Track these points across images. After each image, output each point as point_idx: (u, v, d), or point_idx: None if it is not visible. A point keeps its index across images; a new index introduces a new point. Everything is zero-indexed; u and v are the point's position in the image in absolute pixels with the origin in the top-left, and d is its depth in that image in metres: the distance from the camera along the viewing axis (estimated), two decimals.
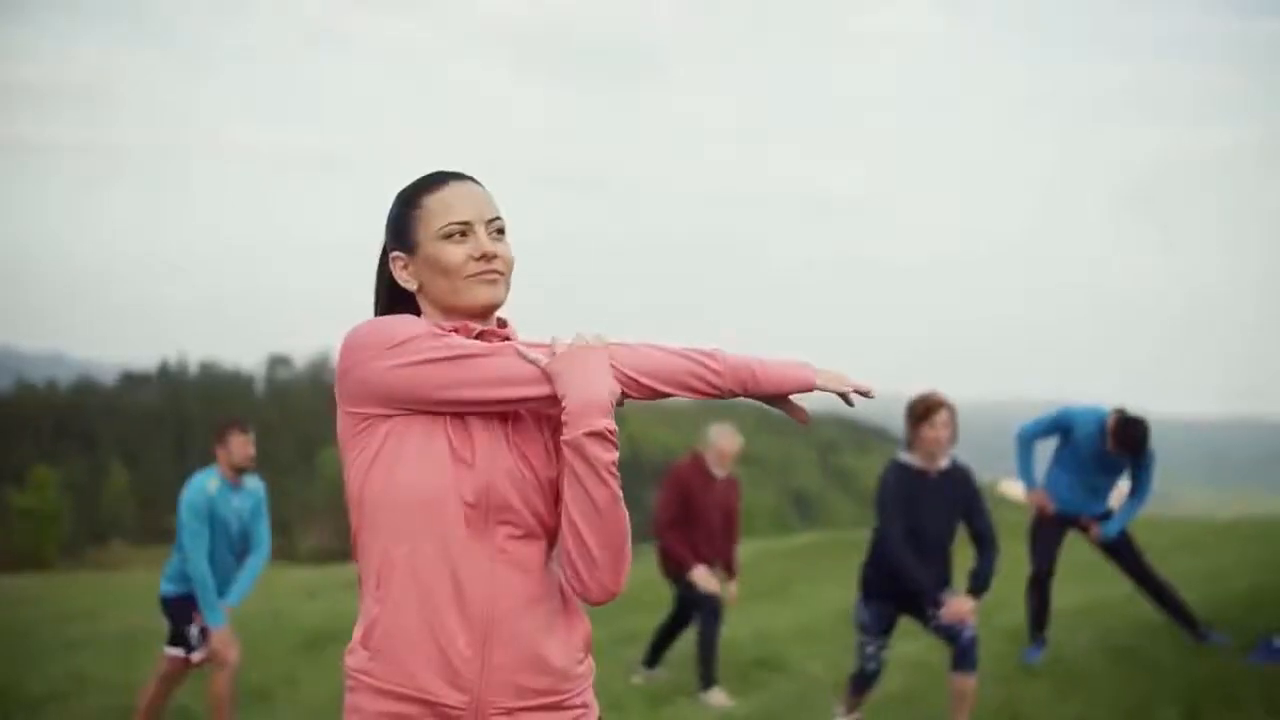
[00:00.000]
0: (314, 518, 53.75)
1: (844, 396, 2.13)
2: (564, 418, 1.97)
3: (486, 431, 2.02)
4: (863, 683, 5.54)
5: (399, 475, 1.99)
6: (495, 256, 2.07)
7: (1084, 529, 6.71)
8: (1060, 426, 6.69)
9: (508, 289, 2.11)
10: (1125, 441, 6.38)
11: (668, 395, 2.06)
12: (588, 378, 1.97)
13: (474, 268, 2.06)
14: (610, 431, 1.97)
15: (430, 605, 1.99)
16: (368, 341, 2.02)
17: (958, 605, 5.09)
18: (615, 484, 1.98)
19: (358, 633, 2.05)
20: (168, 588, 6.05)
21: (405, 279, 2.12)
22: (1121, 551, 6.71)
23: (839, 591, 10.88)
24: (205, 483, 5.94)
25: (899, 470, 5.29)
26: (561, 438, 1.98)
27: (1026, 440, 6.75)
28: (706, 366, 2.06)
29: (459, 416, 2.01)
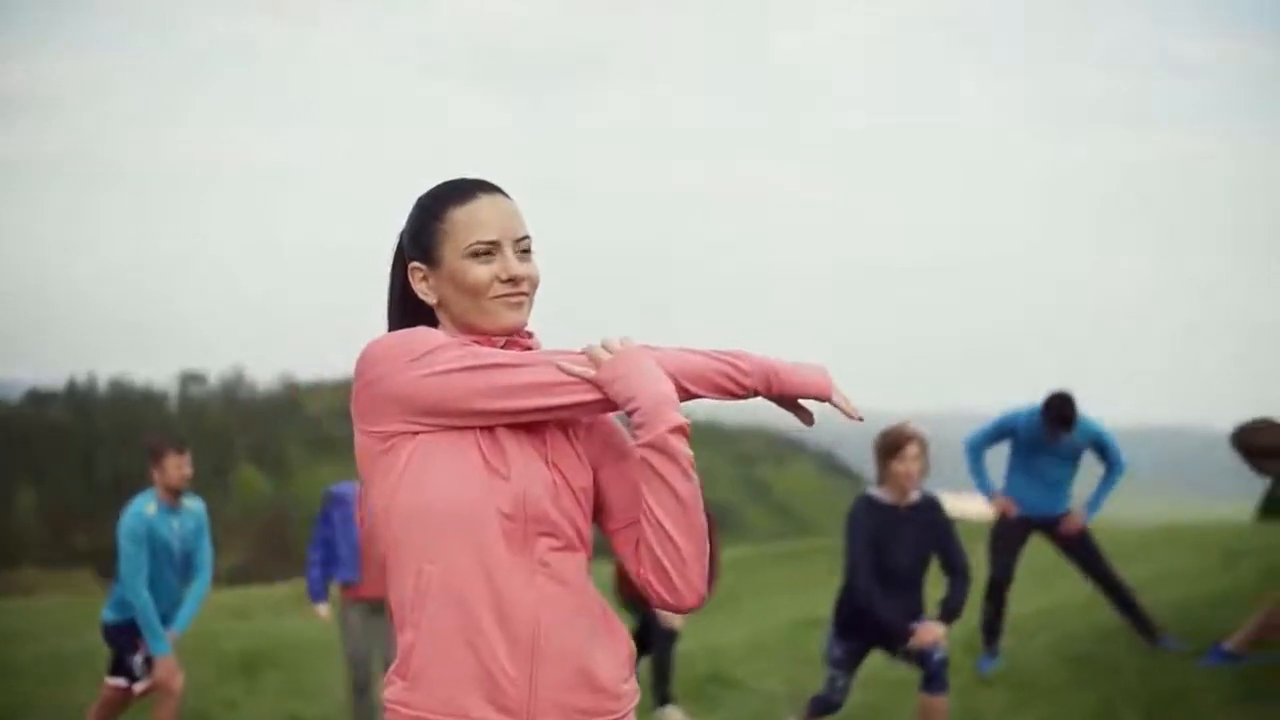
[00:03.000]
0: (230, 537, 52.76)
1: (846, 414, 2.09)
2: (638, 419, 1.90)
3: (518, 443, 1.95)
4: (824, 708, 5.48)
5: (429, 490, 1.90)
6: (523, 278, 2.00)
7: (1049, 531, 6.74)
8: (1004, 429, 6.75)
9: (531, 307, 2.04)
10: (1056, 417, 6.46)
11: (697, 397, 2.01)
12: (649, 377, 1.91)
13: (500, 289, 1.99)
14: (687, 426, 1.91)
15: (471, 624, 1.89)
16: (389, 354, 1.93)
17: (927, 631, 5.04)
18: (696, 479, 1.93)
19: (394, 663, 1.96)
20: (110, 615, 5.85)
21: (424, 291, 2.04)
22: (1083, 552, 6.75)
23: (786, 604, 10.89)
24: (143, 507, 5.74)
25: (868, 505, 5.18)
26: (639, 440, 1.91)
27: (975, 449, 6.78)
28: (735, 367, 2.01)
29: (489, 429, 1.93)
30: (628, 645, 2.03)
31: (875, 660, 6.66)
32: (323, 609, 6.83)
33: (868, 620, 5.12)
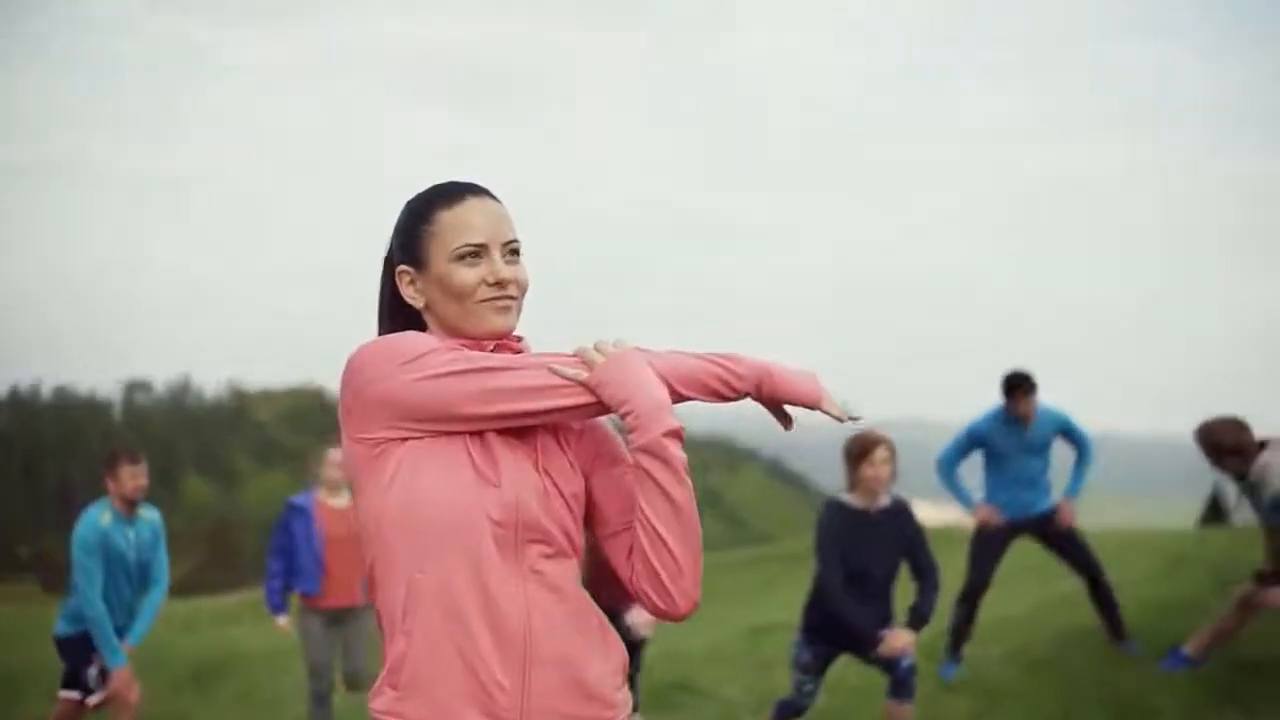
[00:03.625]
0: (177, 548, 52.08)
1: (838, 419, 2.07)
2: (632, 422, 1.88)
3: (508, 449, 1.92)
4: (790, 712, 5.47)
5: (420, 497, 1.87)
6: (510, 282, 1.97)
7: (1037, 530, 6.75)
8: (972, 438, 6.75)
9: (520, 311, 2.02)
10: (1018, 389, 6.51)
11: (689, 399, 1.99)
12: (644, 380, 1.89)
13: (486, 293, 1.96)
14: (682, 430, 1.89)
15: (463, 632, 1.86)
16: (378, 359, 1.90)
17: (897, 638, 5.03)
18: (691, 485, 1.91)
19: (383, 673, 1.92)
20: (64, 627, 5.74)
21: (412, 295, 2.02)
22: (1072, 548, 6.75)
23: (742, 610, 10.91)
24: (97, 517, 5.66)
25: (838, 511, 5.16)
26: (634, 445, 1.88)
27: (947, 465, 6.77)
28: (729, 370, 1.99)
29: (479, 435, 1.91)
30: (620, 652, 2.01)
31: (839, 665, 6.72)
32: (282, 620, 6.75)
33: (837, 625, 5.10)
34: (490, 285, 1.96)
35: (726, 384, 1.99)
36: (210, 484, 73.18)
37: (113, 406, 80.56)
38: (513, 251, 2.00)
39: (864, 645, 5.10)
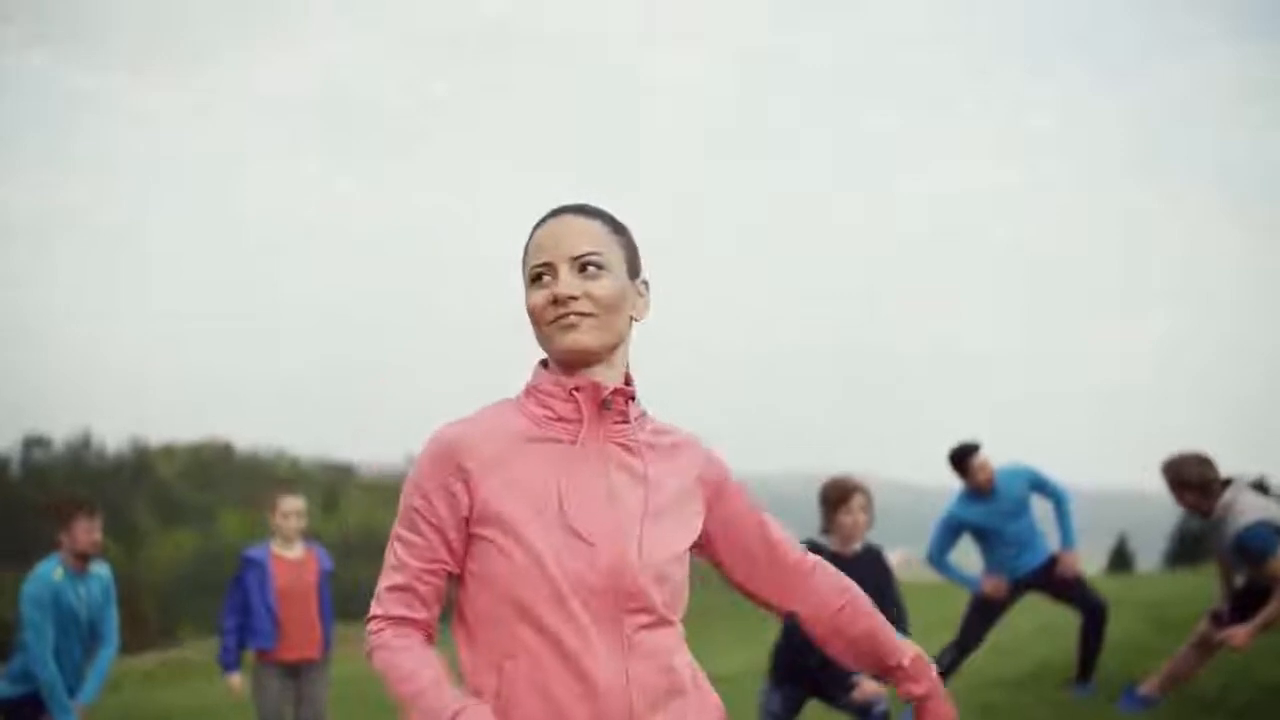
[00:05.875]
0: None
1: None
2: None
3: (608, 503, 1.85)
4: None
5: (510, 556, 1.80)
6: (573, 298, 1.85)
7: (1039, 583, 6.81)
8: (951, 526, 6.80)
9: (606, 330, 1.88)
10: (964, 460, 6.62)
11: None
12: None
13: (550, 313, 1.87)
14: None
15: (555, 709, 1.78)
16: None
17: (870, 683, 5.03)
18: None
19: None
20: (7, 689, 5.55)
21: None
22: (1076, 589, 6.81)
23: None
24: (49, 572, 5.49)
25: (815, 551, 5.21)
26: None
27: (939, 559, 6.84)
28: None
29: (573, 486, 1.84)
30: (718, 711, 1.95)
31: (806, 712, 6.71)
32: (236, 680, 6.54)
33: (807, 670, 5.14)
34: (552, 305, 1.87)
35: None
36: (113, 542, 71.12)
37: (10, 463, 78.06)
38: (592, 265, 1.87)
39: (836, 689, 5.14)
